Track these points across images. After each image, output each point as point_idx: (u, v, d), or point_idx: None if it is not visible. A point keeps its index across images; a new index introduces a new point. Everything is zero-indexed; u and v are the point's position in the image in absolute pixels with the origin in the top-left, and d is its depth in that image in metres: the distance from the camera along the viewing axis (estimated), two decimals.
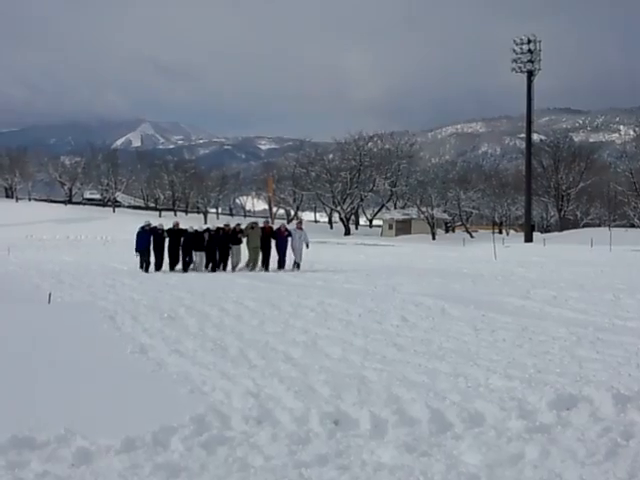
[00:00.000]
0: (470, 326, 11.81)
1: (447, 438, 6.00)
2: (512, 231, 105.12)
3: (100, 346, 10.67)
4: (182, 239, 26.28)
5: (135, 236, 26.44)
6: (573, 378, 7.87)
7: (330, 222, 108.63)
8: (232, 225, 27.92)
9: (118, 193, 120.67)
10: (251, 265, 26.80)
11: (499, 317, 12.73)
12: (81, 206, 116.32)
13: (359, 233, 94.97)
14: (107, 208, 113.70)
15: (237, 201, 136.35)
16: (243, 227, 28.02)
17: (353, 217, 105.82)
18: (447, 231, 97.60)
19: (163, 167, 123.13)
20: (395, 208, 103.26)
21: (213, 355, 9.69)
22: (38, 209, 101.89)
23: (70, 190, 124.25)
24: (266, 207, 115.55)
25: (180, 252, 26.28)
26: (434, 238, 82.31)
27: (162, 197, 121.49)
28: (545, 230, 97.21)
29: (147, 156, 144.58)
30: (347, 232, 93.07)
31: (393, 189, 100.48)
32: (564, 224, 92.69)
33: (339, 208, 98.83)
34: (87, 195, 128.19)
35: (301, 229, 28.59)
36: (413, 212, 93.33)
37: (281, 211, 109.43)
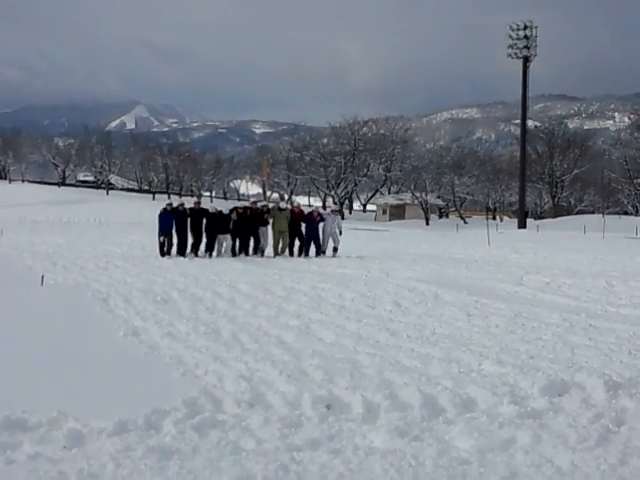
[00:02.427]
0: (463, 312, 11.82)
1: (439, 423, 6.01)
2: (506, 217, 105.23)
3: (93, 329, 10.68)
4: (205, 221, 23.97)
5: (157, 218, 24.27)
6: (565, 364, 7.89)
7: (324, 207, 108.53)
8: (259, 204, 25.93)
9: (112, 175, 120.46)
10: (280, 249, 24.59)
11: (492, 303, 12.74)
12: (74, 188, 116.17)
13: (353, 218, 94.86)
14: (101, 190, 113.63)
15: (231, 185, 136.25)
16: (270, 207, 25.90)
17: (347, 202, 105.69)
18: (441, 217, 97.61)
19: (157, 150, 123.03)
20: (389, 193, 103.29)
21: (206, 338, 9.69)
22: (31, 191, 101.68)
23: (64, 172, 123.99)
24: (260, 191, 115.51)
25: (204, 235, 24.07)
26: (428, 224, 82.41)
27: (156, 180, 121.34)
28: (539, 217, 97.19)
29: (141, 139, 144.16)
30: (341, 217, 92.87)
31: (387, 174, 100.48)
32: (558, 211, 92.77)
33: (333, 193, 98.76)
34: (80, 177, 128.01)
35: (335, 213, 27.10)
36: (407, 197, 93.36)
37: (275, 195, 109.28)
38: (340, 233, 25.38)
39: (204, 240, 24.17)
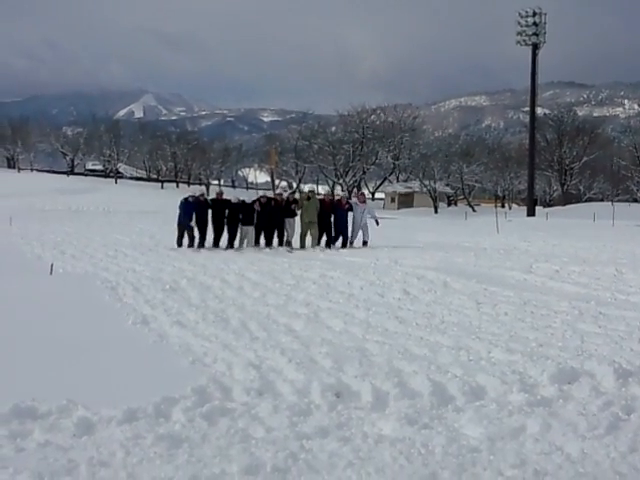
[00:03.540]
0: (472, 300, 11.80)
1: (448, 411, 6.01)
2: (515, 205, 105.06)
3: (102, 317, 10.70)
4: (227, 212, 22.56)
5: (178, 209, 23.07)
6: (575, 352, 7.87)
7: (332, 195, 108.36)
8: (285, 195, 24.16)
9: (120, 164, 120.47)
10: (312, 241, 22.92)
11: (501, 291, 12.71)
12: (83, 177, 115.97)
13: None
14: (109, 179, 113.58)
15: (239, 173, 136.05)
16: (297, 197, 24.37)
17: (355, 190, 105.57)
18: (449, 205, 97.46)
19: (165, 138, 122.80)
20: (397, 181, 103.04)
21: (215, 327, 9.70)
22: (40, 180, 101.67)
23: (72, 161, 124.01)
24: (268, 179, 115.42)
25: (225, 227, 22.70)
26: (436, 212, 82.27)
27: (164, 169, 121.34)
28: (548, 204, 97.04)
29: (149, 127, 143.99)
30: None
31: (396, 162, 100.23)
32: (567, 198, 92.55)
33: (341, 181, 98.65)
34: (89, 166, 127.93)
35: (364, 203, 24.70)
36: (415, 185, 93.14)
37: (284, 183, 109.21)
38: (377, 223, 24.45)
39: (225, 233, 22.86)
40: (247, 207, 22.64)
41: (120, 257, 19.85)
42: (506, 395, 6.38)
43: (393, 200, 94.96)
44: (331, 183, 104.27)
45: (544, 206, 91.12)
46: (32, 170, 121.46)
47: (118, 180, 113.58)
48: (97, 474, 4.80)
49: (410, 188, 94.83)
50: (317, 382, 6.62)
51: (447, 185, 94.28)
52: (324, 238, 23.27)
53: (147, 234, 29.53)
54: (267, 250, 21.84)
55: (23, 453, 5.16)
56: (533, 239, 28.00)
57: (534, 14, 74.11)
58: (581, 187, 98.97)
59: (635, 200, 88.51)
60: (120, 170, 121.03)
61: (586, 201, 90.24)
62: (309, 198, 23.51)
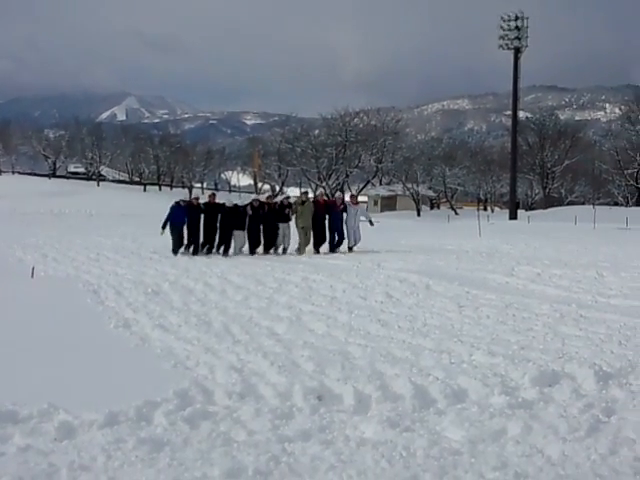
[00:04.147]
0: (454, 303, 11.83)
1: (430, 414, 6.03)
2: (497, 208, 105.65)
3: (84, 320, 10.66)
4: (219, 216, 21.71)
5: (168, 212, 21.92)
6: (556, 355, 7.90)
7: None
8: (279, 198, 23.63)
9: (102, 167, 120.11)
10: (302, 249, 22.24)
11: (483, 294, 12.75)
12: (65, 180, 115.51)
13: None
14: (91, 182, 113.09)
15: (222, 176, 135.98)
16: (292, 201, 23.26)
17: (338, 193, 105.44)
18: (432, 208, 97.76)
19: (148, 141, 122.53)
20: (380, 184, 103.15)
21: (197, 330, 9.68)
22: (22, 182, 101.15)
23: (54, 163, 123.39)
24: (251, 182, 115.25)
25: (217, 232, 21.81)
26: (419, 215, 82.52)
27: (147, 171, 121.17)
28: (530, 208, 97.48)
29: (132, 130, 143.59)
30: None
31: (379, 165, 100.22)
32: (549, 202, 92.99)
33: (324, 184, 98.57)
34: (71, 169, 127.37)
35: (357, 204, 23.76)
36: (398, 188, 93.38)
37: (266, 186, 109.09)
38: (371, 224, 23.88)
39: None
40: (240, 211, 21.89)
41: (102, 260, 19.78)
42: (487, 398, 6.40)
43: (376, 203, 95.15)
44: (314, 186, 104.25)
45: (526, 209, 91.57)
46: (14, 173, 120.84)
47: (100, 183, 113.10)
48: (78, 478, 4.77)
49: (393, 191, 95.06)
50: (299, 385, 6.62)
51: (430, 188, 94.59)
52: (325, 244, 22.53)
53: (129, 237, 29.45)
54: (269, 256, 21.18)
55: (3, 457, 5.13)
56: (515, 242, 28.11)
57: (516, 18, 74.49)
58: (563, 190, 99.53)
59: (616, 203, 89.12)
60: (102, 173, 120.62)
61: (568, 204, 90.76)
62: (303, 202, 22.64)
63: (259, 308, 11.52)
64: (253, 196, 25.09)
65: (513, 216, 70.54)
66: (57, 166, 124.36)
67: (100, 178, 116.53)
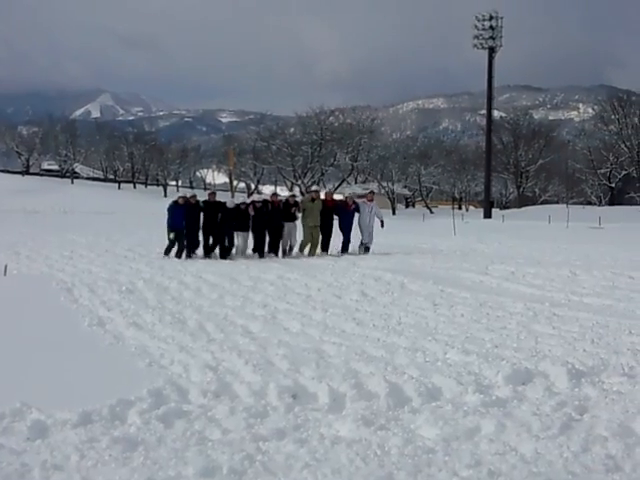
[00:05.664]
0: (429, 301, 11.87)
1: (404, 412, 6.04)
2: (471, 207, 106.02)
3: (57, 319, 10.59)
4: (220, 216, 20.04)
5: (167, 212, 20.17)
6: (529, 353, 7.96)
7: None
8: (283, 196, 22.10)
9: (77, 164, 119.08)
10: (309, 249, 20.79)
11: (457, 292, 12.80)
12: (39, 177, 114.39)
13: None
14: (65, 179, 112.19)
15: (197, 174, 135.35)
16: (299, 199, 21.93)
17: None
18: (407, 206, 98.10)
19: (122, 139, 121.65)
20: (356, 183, 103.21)
21: (172, 328, 9.65)
22: None
23: (27, 160, 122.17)
24: (226, 180, 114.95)
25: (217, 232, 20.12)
26: (394, 213, 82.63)
27: (121, 169, 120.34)
28: (504, 206, 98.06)
29: (106, 127, 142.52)
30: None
31: (354, 164, 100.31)
32: (523, 201, 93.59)
33: (300, 182, 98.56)
34: (45, 166, 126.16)
35: (372, 201, 22.31)
36: (374, 187, 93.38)
37: (241, 184, 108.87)
38: (382, 225, 21.73)
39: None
40: (242, 211, 20.07)
41: (76, 258, 19.66)
42: (461, 396, 6.43)
43: None
44: (289, 184, 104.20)
45: (500, 208, 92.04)
46: None
47: (74, 180, 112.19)
48: (51, 478, 4.75)
49: (368, 190, 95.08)
50: (274, 384, 6.62)
51: (405, 187, 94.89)
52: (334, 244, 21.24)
53: (103, 235, 29.28)
54: (277, 258, 20.02)
55: None
56: (489, 241, 28.28)
57: (491, 18, 74.74)
58: (537, 189, 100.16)
59: (589, 203, 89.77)
60: (76, 170, 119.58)
61: (541, 203, 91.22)
62: (313, 200, 21.22)
63: (234, 306, 11.50)
64: (255, 196, 23.56)
65: (488, 215, 70.82)
66: (30, 163, 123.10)
67: (74, 175, 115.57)
